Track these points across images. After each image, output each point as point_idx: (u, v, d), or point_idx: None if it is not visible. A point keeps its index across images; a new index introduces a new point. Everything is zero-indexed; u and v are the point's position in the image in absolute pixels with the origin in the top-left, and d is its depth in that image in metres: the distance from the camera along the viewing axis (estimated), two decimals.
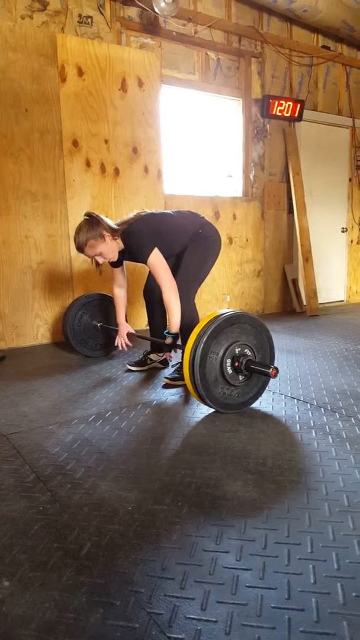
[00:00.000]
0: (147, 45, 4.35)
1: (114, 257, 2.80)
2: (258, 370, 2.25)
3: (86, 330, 3.49)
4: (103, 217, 2.74)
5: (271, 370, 2.20)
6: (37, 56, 3.74)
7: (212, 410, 2.38)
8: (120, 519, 1.48)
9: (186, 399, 2.60)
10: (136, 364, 3.17)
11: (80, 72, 3.91)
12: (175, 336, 2.68)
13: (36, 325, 3.98)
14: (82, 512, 1.52)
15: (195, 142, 4.83)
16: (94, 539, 1.38)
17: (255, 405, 2.47)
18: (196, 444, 2.03)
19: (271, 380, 2.88)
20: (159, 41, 4.41)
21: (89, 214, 2.73)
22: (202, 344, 2.17)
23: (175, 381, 2.80)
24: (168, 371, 3.05)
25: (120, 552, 1.32)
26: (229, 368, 2.26)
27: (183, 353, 2.28)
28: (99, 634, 1.06)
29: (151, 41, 4.38)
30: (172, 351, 2.76)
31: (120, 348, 3.08)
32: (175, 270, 2.83)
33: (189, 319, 2.77)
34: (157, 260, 2.67)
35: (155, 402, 2.55)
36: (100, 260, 2.76)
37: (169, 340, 2.67)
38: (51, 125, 3.85)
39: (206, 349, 2.18)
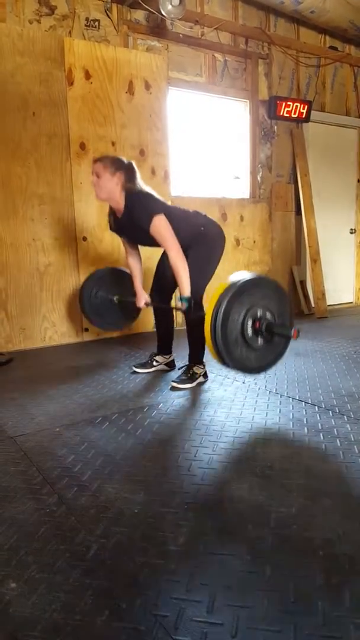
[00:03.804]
0: (154, 47, 4.37)
1: (103, 198, 2.77)
2: (279, 333, 2.26)
3: (103, 304, 3.52)
4: (137, 172, 2.76)
5: (292, 331, 2.21)
6: (45, 60, 3.76)
7: (218, 412, 2.38)
8: (126, 522, 1.48)
9: (193, 401, 2.60)
10: (142, 366, 3.18)
11: (88, 75, 3.93)
12: (188, 300, 2.66)
13: (44, 327, 4.00)
14: (89, 515, 1.52)
15: (203, 144, 4.84)
16: (100, 541, 1.38)
17: (263, 407, 2.47)
18: (200, 446, 2.02)
19: (278, 383, 2.88)
20: (165, 44, 4.42)
21: (129, 162, 2.77)
22: (225, 304, 2.16)
23: (182, 384, 2.81)
24: (175, 374, 3.04)
25: (126, 554, 1.32)
26: (249, 329, 2.24)
27: (203, 316, 2.29)
28: (105, 636, 1.06)
29: (158, 44, 4.39)
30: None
31: (144, 306, 3.08)
32: None
33: (201, 318, 2.77)
34: (163, 224, 2.64)
35: (161, 404, 2.55)
36: (94, 183, 2.75)
37: (183, 305, 2.67)
38: (58, 129, 3.86)
39: (229, 308, 2.17)
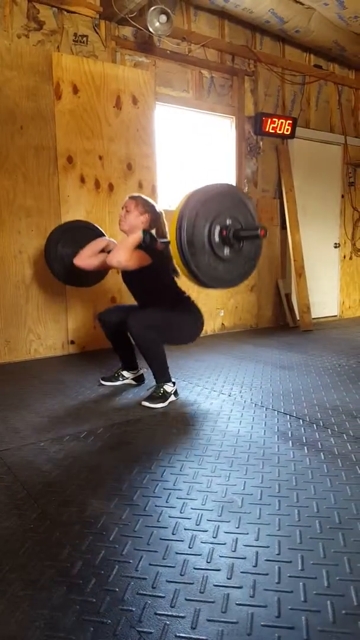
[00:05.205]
0: (141, 63, 4.42)
1: (126, 229, 2.87)
2: (247, 235, 2.24)
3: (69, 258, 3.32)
4: (162, 220, 2.93)
5: (259, 230, 2.21)
6: (33, 74, 3.78)
7: (205, 426, 2.38)
8: (111, 537, 1.48)
9: (179, 415, 2.60)
10: (107, 379, 3.16)
11: (75, 90, 3.96)
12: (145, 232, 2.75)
13: (29, 340, 3.98)
14: (74, 530, 1.51)
15: (190, 158, 4.88)
16: (85, 557, 1.37)
17: (248, 420, 2.48)
18: (185, 460, 2.02)
19: (263, 396, 2.89)
20: (153, 59, 4.48)
21: (160, 211, 2.93)
22: (190, 210, 2.14)
23: (154, 403, 2.72)
24: (145, 392, 2.97)
25: (111, 570, 1.32)
26: (216, 237, 2.21)
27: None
28: None
29: (145, 59, 4.44)
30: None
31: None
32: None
33: (152, 339, 2.75)
34: (135, 239, 2.72)
35: (147, 418, 2.55)
36: (122, 214, 2.89)
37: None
38: (46, 142, 3.88)
39: (193, 215, 2.15)
